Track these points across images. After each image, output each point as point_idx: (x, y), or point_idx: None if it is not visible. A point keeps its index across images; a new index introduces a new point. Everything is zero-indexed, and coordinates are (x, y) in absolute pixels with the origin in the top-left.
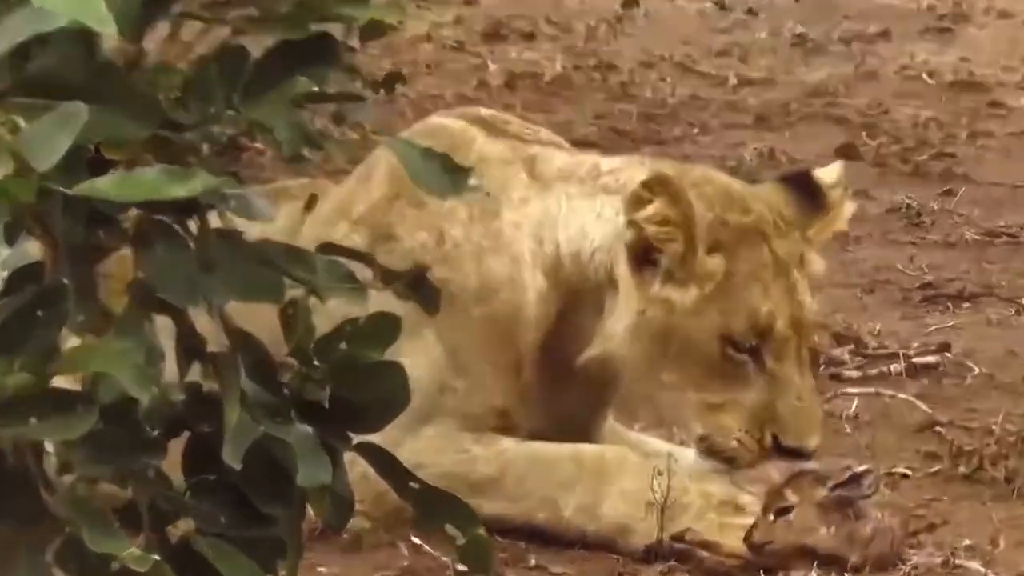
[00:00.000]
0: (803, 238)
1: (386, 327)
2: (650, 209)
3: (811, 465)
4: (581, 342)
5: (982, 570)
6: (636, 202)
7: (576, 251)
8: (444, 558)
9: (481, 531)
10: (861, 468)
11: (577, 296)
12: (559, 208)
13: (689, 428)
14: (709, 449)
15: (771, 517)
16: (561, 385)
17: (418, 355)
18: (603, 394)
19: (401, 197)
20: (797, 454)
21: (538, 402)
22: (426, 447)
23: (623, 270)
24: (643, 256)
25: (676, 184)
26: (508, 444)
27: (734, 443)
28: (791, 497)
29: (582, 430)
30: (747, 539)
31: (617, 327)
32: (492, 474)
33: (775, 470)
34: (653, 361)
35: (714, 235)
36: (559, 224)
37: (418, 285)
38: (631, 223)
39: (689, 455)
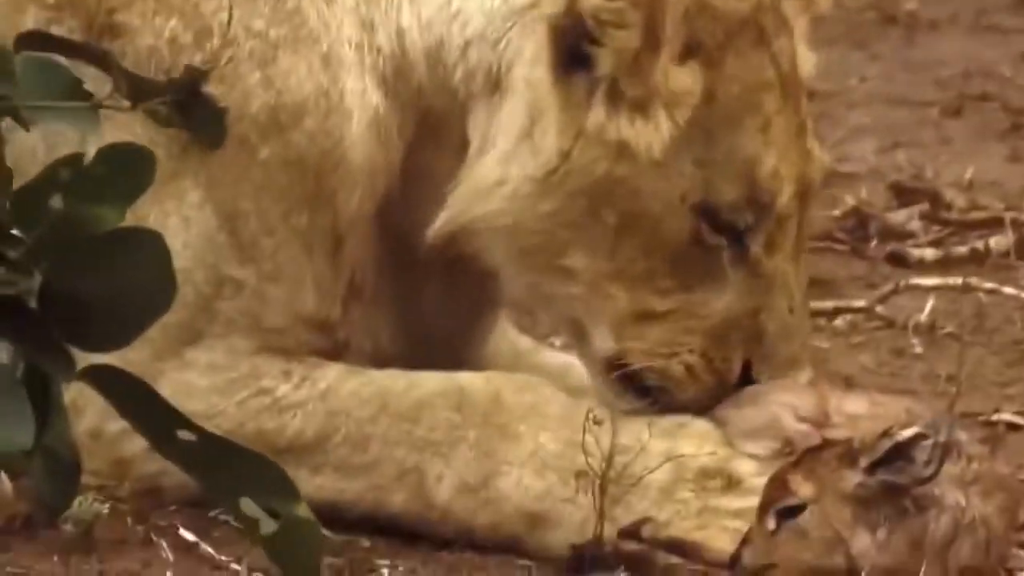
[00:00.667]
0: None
1: (130, 168)
2: None
3: (839, 432)
4: (438, 203)
5: None
6: None
7: (436, 44)
8: (236, 564)
9: (302, 509)
10: (908, 431)
11: (438, 125)
12: None
13: (593, 340)
14: (624, 375)
15: (771, 524)
16: (415, 278)
17: (175, 227)
18: (484, 290)
19: None
20: None
21: (380, 306)
22: (198, 384)
23: (535, 72)
24: (569, 52)
25: None
26: (338, 377)
27: (678, 367)
28: (802, 489)
29: (457, 348)
30: (733, 562)
31: (508, 179)
32: (313, 430)
33: (789, 414)
34: (566, 235)
35: (691, 29)
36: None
37: (192, 103)
38: None
39: None
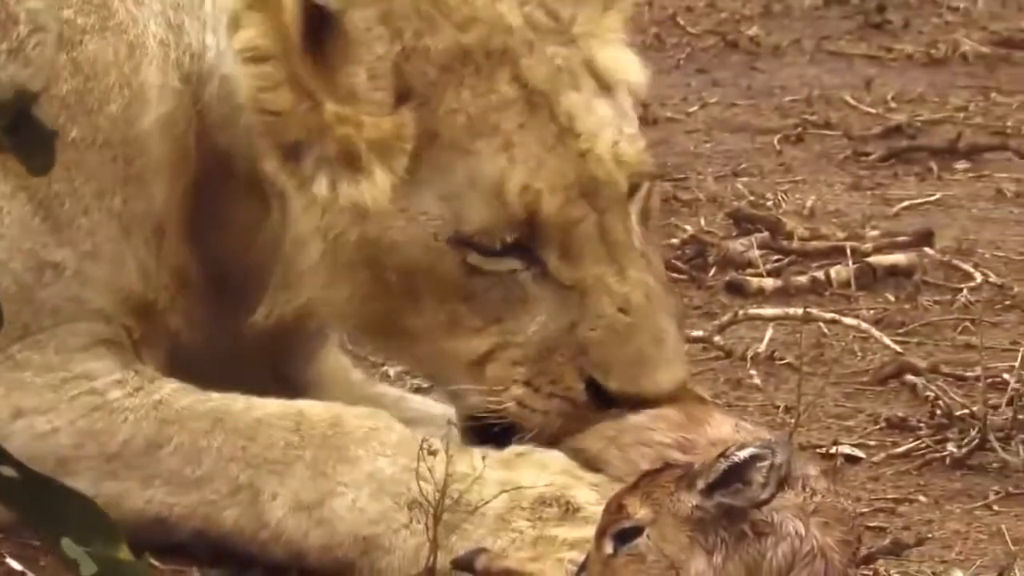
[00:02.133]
0: (589, 33)
1: None
2: (243, 37)
3: (675, 453)
4: (249, 252)
5: None
6: (233, 24)
7: (227, 78)
8: None
9: (124, 552)
10: (744, 452)
11: (229, 163)
12: None
13: (455, 397)
14: (476, 429)
15: (608, 548)
16: (235, 301)
17: None
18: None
19: None
20: (638, 403)
21: (208, 304)
22: (32, 382)
23: (269, 162)
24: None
25: None
26: (174, 391)
27: (510, 404)
28: (639, 512)
29: (279, 364)
30: None
31: (303, 273)
32: (144, 436)
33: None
34: (376, 307)
35: (401, 76)
36: (206, 21)
37: (20, 125)
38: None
39: None
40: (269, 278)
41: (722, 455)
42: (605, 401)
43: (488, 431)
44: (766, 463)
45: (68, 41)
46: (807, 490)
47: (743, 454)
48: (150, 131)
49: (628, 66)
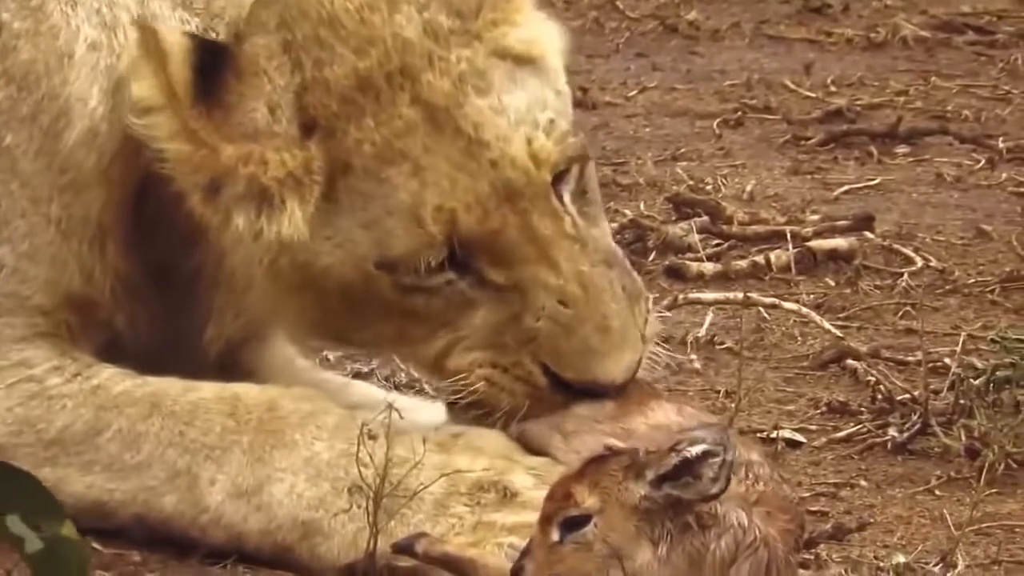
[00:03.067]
0: (496, 20)
1: None
2: (133, 90)
3: (614, 439)
4: (191, 257)
5: None
6: (126, 77)
7: None
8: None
9: (68, 528)
10: (696, 448)
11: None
12: None
13: (431, 384)
14: (463, 405)
15: (554, 535)
16: (176, 285)
17: None
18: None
19: None
20: (593, 391)
21: (152, 306)
22: None
23: (192, 197)
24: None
25: (158, 38)
26: (111, 377)
27: (481, 384)
28: (587, 500)
29: (228, 352)
30: (516, 574)
31: (250, 299)
32: (83, 423)
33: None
34: (326, 326)
35: (303, 108)
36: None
37: None
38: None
39: (430, 410)
40: (212, 284)
41: (674, 448)
42: (564, 387)
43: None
44: (717, 459)
45: (3, 48)
46: (750, 478)
47: (695, 450)
48: (76, 145)
49: (543, 39)
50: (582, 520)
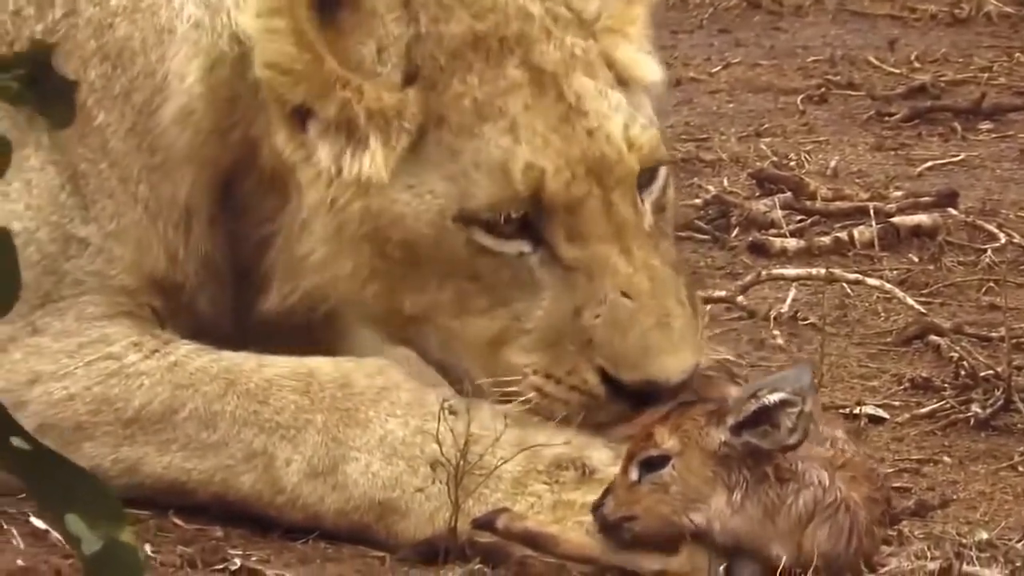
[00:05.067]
0: (611, 28)
1: None
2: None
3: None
4: (268, 247)
5: None
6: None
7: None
8: None
9: (127, 534)
10: (775, 396)
11: (255, 155)
12: None
13: (472, 379)
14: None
15: (633, 474)
16: (252, 294)
17: (17, 191)
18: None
19: None
20: (653, 394)
21: (234, 291)
22: (49, 346)
23: (278, 135)
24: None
25: None
26: (188, 352)
27: (532, 394)
28: (667, 442)
29: (318, 333)
30: (595, 510)
31: (310, 249)
32: (160, 402)
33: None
34: (381, 285)
35: (410, 58)
36: None
37: (40, 77)
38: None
39: None
40: (279, 251)
41: (753, 395)
42: (620, 392)
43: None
44: (796, 409)
45: (99, 25)
46: (836, 446)
47: (774, 398)
48: (171, 123)
49: (646, 65)
50: (660, 461)
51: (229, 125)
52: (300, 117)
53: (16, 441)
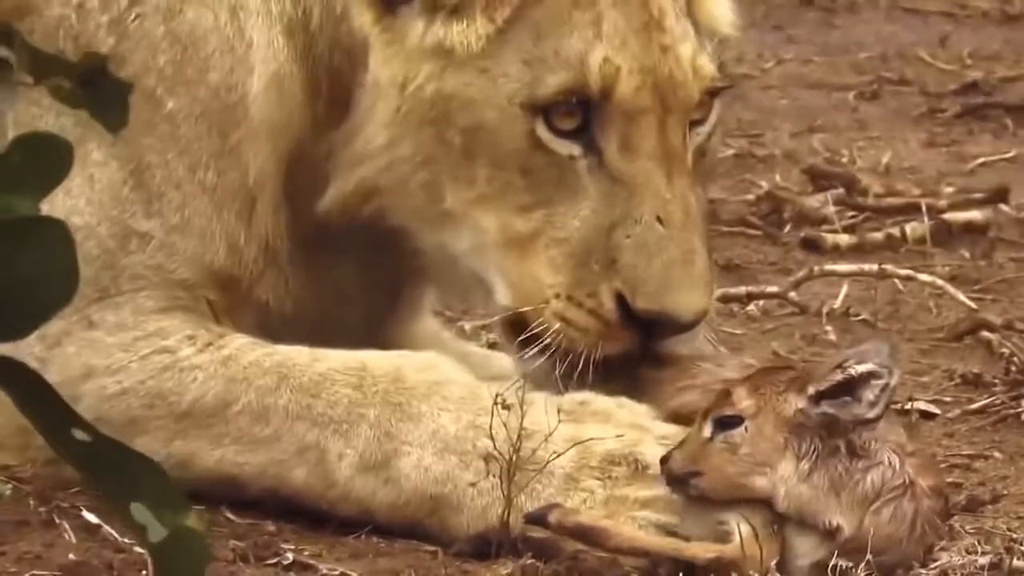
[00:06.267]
0: None
1: (46, 158)
2: None
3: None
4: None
5: None
6: None
7: None
8: (138, 548)
9: (192, 520)
10: (862, 367)
11: (341, 82)
12: None
13: (494, 295)
14: (525, 340)
15: (707, 431)
16: (330, 251)
17: (78, 184)
18: (402, 269)
19: None
20: (661, 327)
21: (296, 272)
22: (103, 340)
23: (363, 16)
24: None
25: None
26: (242, 346)
27: (557, 324)
28: (743, 403)
29: (374, 327)
30: (664, 463)
31: (371, 134)
32: (214, 396)
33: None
34: (430, 173)
35: None
36: None
37: (94, 81)
38: None
39: None
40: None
41: (839, 366)
42: (631, 320)
43: (536, 345)
44: (880, 382)
45: (167, 11)
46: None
47: (861, 368)
48: (255, 96)
49: (723, 14)
50: (734, 421)
51: (318, 77)
52: (391, 2)
53: (78, 433)
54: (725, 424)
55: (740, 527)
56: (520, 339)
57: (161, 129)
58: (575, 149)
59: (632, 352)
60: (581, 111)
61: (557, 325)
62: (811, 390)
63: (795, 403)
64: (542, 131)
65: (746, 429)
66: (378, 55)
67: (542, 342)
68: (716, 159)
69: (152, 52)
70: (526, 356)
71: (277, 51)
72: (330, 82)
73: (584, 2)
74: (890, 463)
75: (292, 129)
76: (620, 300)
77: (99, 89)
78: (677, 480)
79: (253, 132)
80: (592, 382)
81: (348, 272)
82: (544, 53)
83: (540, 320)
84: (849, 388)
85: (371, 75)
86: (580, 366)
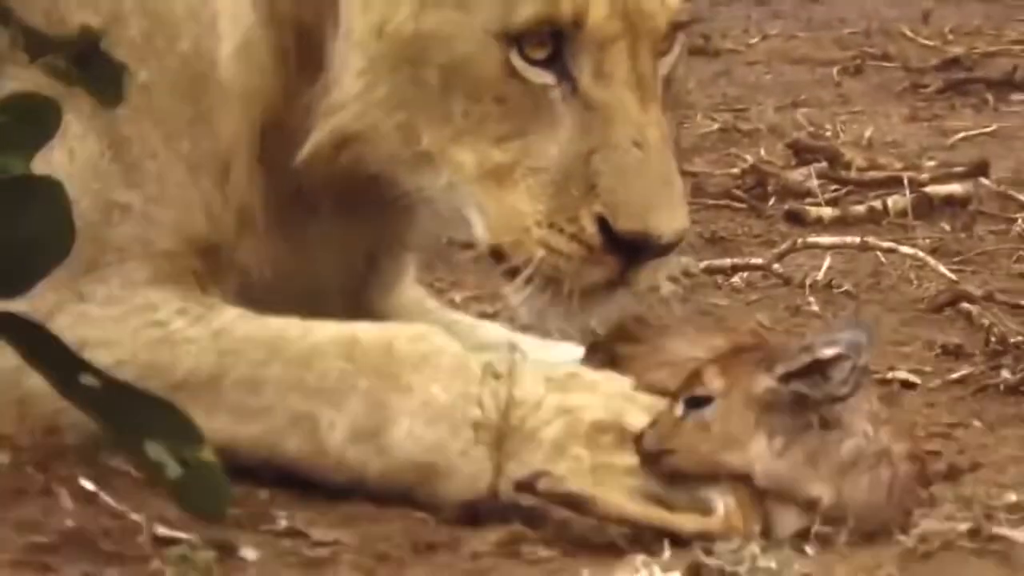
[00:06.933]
0: None
1: (35, 118)
2: None
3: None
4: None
5: None
6: None
7: None
8: (135, 515)
9: (207, 453)
10: (828, 351)
11: (308, 41)
12: None
13: (475, 233)
14: (510, 272)
15: (679, 410)
16: (306, 216)
17: (58, 158)
18: (381, 233)
19: None
20: (643, 248)
21: (273, 235)
22: (94, 314)
23: None
24: None
25: None
26: (233, 318)
27: (540, 252)
28: (714, 382)
29: (354, 293)
30: (637, 442)
31: (347, 84)
32: (207, 368)
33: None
34: (405, 114)
35: None
36: None
37: (90, 59)
38: None
39: (542, 347)
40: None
41: (807, 348)
42: (613, 244)
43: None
44: (849, 363)
45: None
46: (869, 400)
47: (828, 352)
48: (226, 62)
49: None
50: (704, 400)
51: (285, 40)
52: None
53: (87, 379)
54: (696, 403)
55: (723, 499)
56: (504, 270)
57: (135, 100)
58: (549, 78)
59: (614, 279)
60: (552, 41)
61: (541, 253)
62: (780, 370)
63: (763, 382)
64: (516, 60)
65: (717, 407)
66: (355, 3)
67: (527, 271)
68: (682, 88)
69: (123, 25)
70: (514, 288)
71: (243, 16)
72: (298, 42)
73: None
74: (864, 432)
75: (262, 94)
76: (602, 223)
77: (94, 67)
78: (650, 458)
79: (223, 98)
80: (577, 311)
81: (326, 237)
82: None
83: (524, 252)
84: (819, 369)
85: (344, 26)
86: (565, 292)
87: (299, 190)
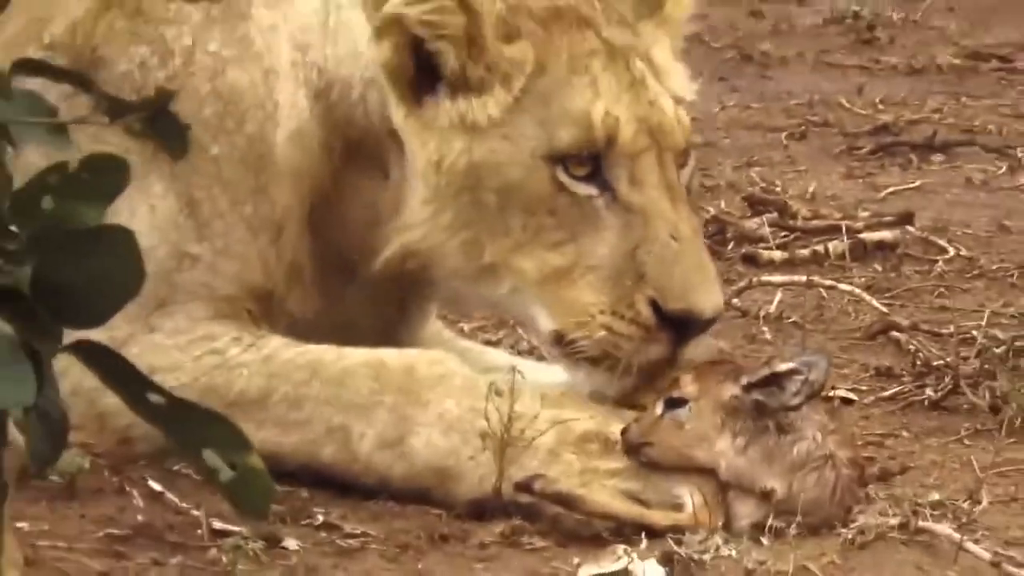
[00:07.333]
0: (653, 38)
1: (108, 174)
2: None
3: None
4: (367, 222)
5: (956, 535)
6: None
7: (346, 80)
8: (195, 511)
9: (254, 459)
10: (784, 366)
11: (355, 148)
12: (326, 12)
13: (538, 324)
14: (571, 352)
15: (658, 409)
16: (345, 279)
17: (142, 213)
18: (412, 289)
19: (112, 8)
20: (690, 324)
21: (317, 288)
22: (162, 344)
23: (398, 113)
24: (416, 79)
25: None
26: (279, 346)
27: (601, 333)
28: (688, 388)
29: (388, 331)
30: (623, 434)
31: (415, 208)
32: (256, 388)
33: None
34: (470, 233)
35: (511, 22)
36: (327, 36)
37: (159, 118)
38: (382, 29)
39: (548, 372)
40: (377, 245)
41: (767, 363)
42: (664, 322)
43: (583, 358)
44: (801, 377)
45: (212, 71)
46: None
47: (784, 366)
48: (281, 146)
49: (684, 84)
50: (680, 402)
51: (329, 137)
52: (417, 97)
53: (154, 397)
54: (673, 404)
55: (692, 497)
56: (568, 352)
57: (208, 169)
58: (592, 190)
59: (667, 355)
60: (591, 160)
61: (602, 334)
62: (744, 381)
63: (730, 390)
64: (563, 176)
65: (690, 409)
66: (413, 141)
67: (590, 353)
68: (696, 195)
69: (199, 105)
70: (578, 368)
71: (300, 111)
72: (346, 142)
73: (580, 68)
74: (814, 438)
75: (310, 175)
76: (654, 306)
77: (163, 123)
78: (632, 448)
79: (278, 175)
80: (636, 385)
81: (363, 293)
82: (555, 113)
83: (587, 333)
84: (776, 381)
85: (408, 158)
86: (625, 369)
87: (340, 255)
